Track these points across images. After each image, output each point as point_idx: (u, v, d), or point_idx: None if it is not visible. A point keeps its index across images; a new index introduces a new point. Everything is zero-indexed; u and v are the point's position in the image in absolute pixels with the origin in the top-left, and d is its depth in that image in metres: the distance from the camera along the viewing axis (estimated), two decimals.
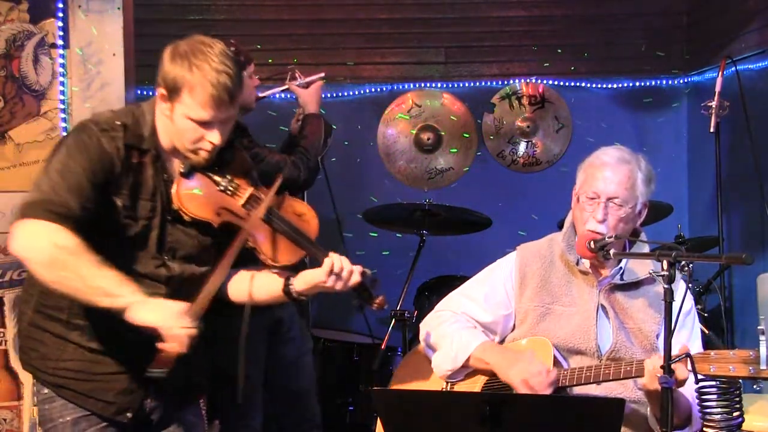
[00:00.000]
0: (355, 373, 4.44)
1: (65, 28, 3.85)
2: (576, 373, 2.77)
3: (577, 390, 2.80)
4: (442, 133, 5.42)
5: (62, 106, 3.86)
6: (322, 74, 3.86)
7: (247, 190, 2.59)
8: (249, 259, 2.60)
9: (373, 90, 5.46)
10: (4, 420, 3.85)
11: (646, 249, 2.93)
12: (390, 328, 4.16)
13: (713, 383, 2.55)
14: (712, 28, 5.19)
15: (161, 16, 5.12)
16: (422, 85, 5.46)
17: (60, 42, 3.85)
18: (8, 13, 3.86)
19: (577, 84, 5.49)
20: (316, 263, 2.58)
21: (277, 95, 4.17)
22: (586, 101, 5.48)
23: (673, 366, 2.42)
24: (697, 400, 2.59)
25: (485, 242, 4.68)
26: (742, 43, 4.77)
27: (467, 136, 5.43)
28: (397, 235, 4.98)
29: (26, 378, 3.82)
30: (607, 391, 2.80)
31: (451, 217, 4.57)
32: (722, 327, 4.36)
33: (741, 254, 2.49)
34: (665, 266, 2.46)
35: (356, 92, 5.44)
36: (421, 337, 3.07)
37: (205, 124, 2.46)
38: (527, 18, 5.46)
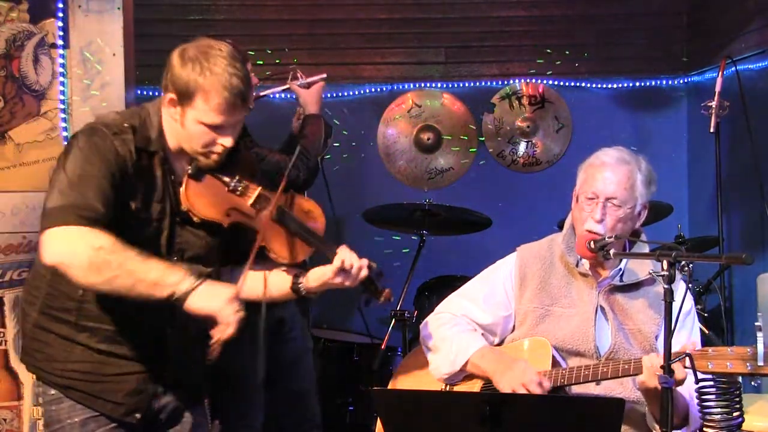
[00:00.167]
0: (355, 373, 4.44)
1: (65, 28, 3.85)
2: (574, 372, 2.77)
3: (577, 389, 2.80)
4: (442, 133, 5.43)
5: (62, 106, 3.86)
6: (324, 75, 3.85)
7: (256, 190, 2.58)
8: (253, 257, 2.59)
9: (373, 90, 5.46)
10: (4, 420, 3.85)
11: (646, 249, 2.94)
12: (390, 328, 4.17)
13: (713, 383, 2.55)
14: (712, 28, 5.18)
15: (161, 16, 5.12)
16: (422, 85, 5.46)
17: (60, 42, 3.85)
18: (8, 13, 3.85)
19: (577, 84, 5.48)
20: (321, 260, 2.58)
21: (277, 95, 4.17)
22: (586, 101, 5.48)
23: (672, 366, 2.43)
24: (697, 400, 2.59)
25: (485, 242, 4.68)
26: (742, 43, 4.77)
27: (467, 137, 5.43)
28: (395, 237, 4.97)
29: (26, 378, 3.82)
30: (606, 391, 2.80)
31: (451, 217, 4.57)
32: (722, 327, 4.37)
33: (741, 254, 2.49)
34: (665, 266, 2.46)
35: (356, 92, 5.44)
36: (421, 339, 3.07)
37: (217, 128, 2.45)
38: (527, 18, 5.46)
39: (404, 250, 5.14)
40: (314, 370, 3.98)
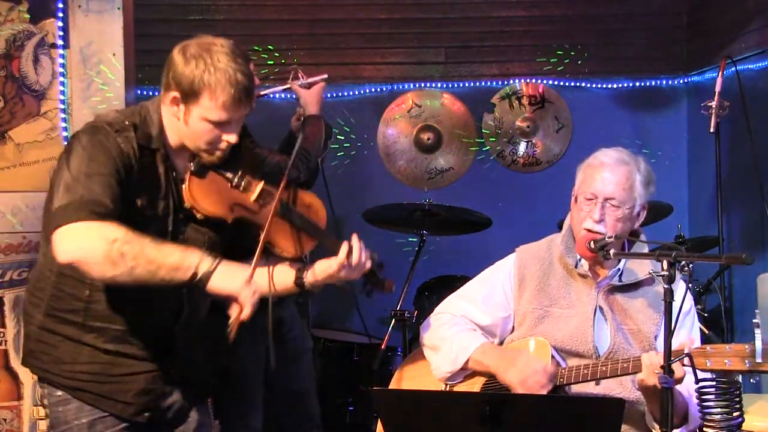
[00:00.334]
0: (355, 373, 4.44)
1: (65, 28, 3.85)
2: (574, 371, 2.78)
3: (577, 389, 2.80)
4: (442, 133, 5.43)
5: (62, 106, 3.86)
6: (325, 75, 3.84)
7: (258, 185, 2.58)
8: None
9: (373, 90, 5.46)
10: (4, 420, 3.85)
11: (645, 249, 2.94)
12: (390, 328, 4.16)
13: (713, 383, 2.55)
14: (712, 28, 5.18)
15: (162, 16, 5.12)
16: (422, 85, 5.46)
17: (60, 42, 3.85)
18: (8, 13, 3.86)
19: (577, 84, 5.48)
20: (320, 255, 2.58)
21: (278, 95, 4.17)
22: (586, 101, 5.48)
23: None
24: (696, 400, 2.59)
25: (485, 242, 4.68)
26: (742, 43, 4.76)
27: (467, 136, 5.43)
28: (395, 237, 4.97)
29: (26, 378, 3.82)
30: (606, 391, 2.80)
31: (451, 217, 4.57)
32: (722, 327, 4.37)
33: (741, 254, 2.49)
34: (665, 266, 2.46)
35: (356, 92, 5.44)
36: (421, 339, 3.08)
37: (222, 125, 2.45)
38: (527, 18, 5.46)
39: (404, 250, 5.15)
40: (314, 370, 3.98)
